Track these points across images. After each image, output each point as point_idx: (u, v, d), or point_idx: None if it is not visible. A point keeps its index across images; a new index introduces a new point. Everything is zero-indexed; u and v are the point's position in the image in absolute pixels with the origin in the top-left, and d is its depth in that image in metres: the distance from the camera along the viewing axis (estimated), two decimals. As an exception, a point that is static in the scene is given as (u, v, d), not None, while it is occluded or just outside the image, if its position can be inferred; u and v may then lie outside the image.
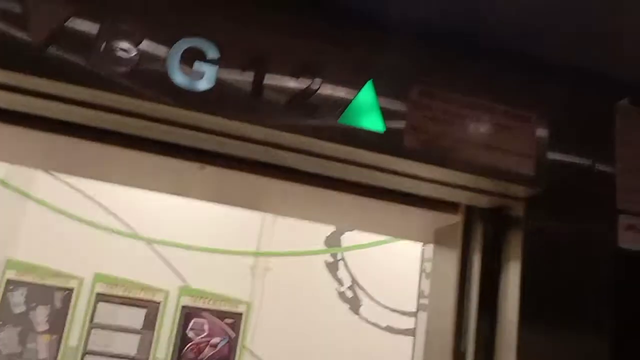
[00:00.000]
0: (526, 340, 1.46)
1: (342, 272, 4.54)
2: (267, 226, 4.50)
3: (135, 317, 4.25)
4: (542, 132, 1.53)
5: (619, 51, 1.63)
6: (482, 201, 1.58)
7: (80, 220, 4.19)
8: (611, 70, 1.66)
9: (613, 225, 1.61)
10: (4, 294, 4.00)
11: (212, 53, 1.36)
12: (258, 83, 1.37)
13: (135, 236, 4.38)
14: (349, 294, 4.47)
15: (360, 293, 4.48)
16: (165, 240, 4.39)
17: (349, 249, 4.55)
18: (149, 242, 4.41)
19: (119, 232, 4.35)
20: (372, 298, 4.49)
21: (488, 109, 1.49)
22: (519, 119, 1.51)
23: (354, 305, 4.47)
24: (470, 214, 1.63)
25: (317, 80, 1.40)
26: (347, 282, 4.51)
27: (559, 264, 1.54)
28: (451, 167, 1.43)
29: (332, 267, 4.53)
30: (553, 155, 1.55)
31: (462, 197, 1.58)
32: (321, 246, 4.56)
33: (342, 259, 4.56)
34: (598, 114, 1.66)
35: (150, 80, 1.30)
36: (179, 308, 4.32)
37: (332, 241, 4.54)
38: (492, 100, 1.50)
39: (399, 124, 1.43)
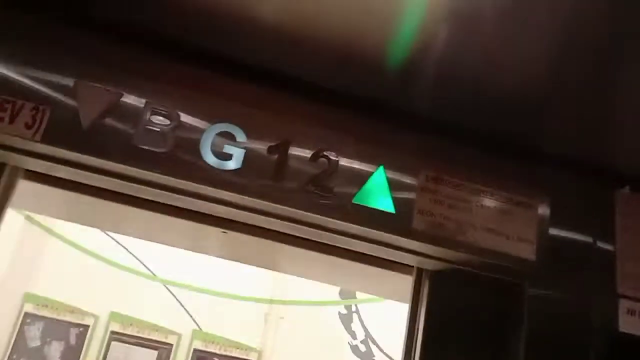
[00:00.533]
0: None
1: (356, 325, 4.49)
2: (282, 274, 4.57)
3: (147, 358, 4.32)
4: (543, 217, 1.64)
5: (618, 144, 1.74)
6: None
7: (99, 258, 4.30)
8: (610, 160, 1.78)
9: (613, 307, 1.68)
10: (21, 326, 4.10)
11: (240, 137, 1.51)
12: (280, 165, 1.51)
13: (152, 277, 4.49)
14: (362, 347, 4.42)
15: (373, 348, 4.43)
16: (181, 283, 4.49)
17: (363, 301, 4.54)
18: (165, 283, 4.51)
19: (136, 273, 4.46)
20: (385, 354, 4.42)
21: (491, 194, 1.61)
22: (521, 205, 1.62)
23: (367, 359, 4.42)
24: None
25: (333, 165, 1.54)
26: (361, 336, 4.46)
27: (558, 338, 1.61)
28: (455, 248, 1.54)
29: (346, 319, 4.49)
30: (554, 236, 1.64)
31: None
32: (336, 297, 4.57)
33: (357, 311, 4.53)
34: (598, 200, 1.76)
35: (185, 160, 1.45)
36: (191, 351, 4.38)
37: (347, 293, 4.53)
38: (496, 186, 1.62)
39: (408, 206, 1.55)
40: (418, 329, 1.59)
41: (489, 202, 1.60)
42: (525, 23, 1.29)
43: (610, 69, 1.42)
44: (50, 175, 1.52)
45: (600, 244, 1.72)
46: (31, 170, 1.51)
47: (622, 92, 1.50)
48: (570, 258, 1.65)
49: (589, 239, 1.68)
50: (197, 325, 4.46)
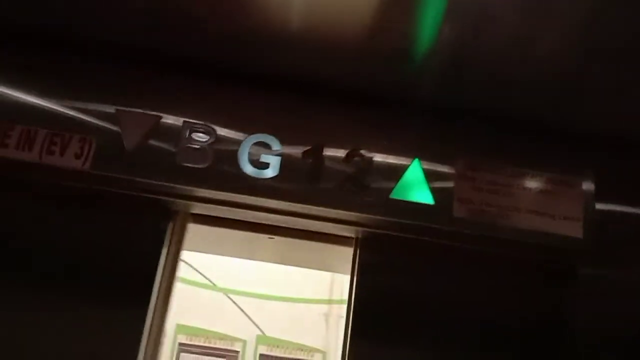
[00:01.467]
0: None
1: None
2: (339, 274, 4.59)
3: (215, 366, 4.43)
4: (588, 194, 1.60)
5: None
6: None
7: (164, 275, 4.45)
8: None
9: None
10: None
11: (276, 145, 1.55)
12: (316, 168, 1.54)
13: (213, 288, 4.62)
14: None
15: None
16: (242, 291, 4.58)
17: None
18: (227, 293, 4.63)
19: (198, 285, 4.59)
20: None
21: (532, 176, 1.58)
22: (564, 184, 1.59)
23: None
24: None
25: (367, 162, 1.56)
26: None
27: (618, 317, 1.57)
28: (500, 233, 1.53)
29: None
30: (601, 211, 1.60)
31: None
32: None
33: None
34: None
35: (225, 172, 1.51)
36: (257, 356, 4.47)
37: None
38: (536, 168, 1.59)
39: (447, 196, 1.55)
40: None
41: (530, 183, 1.58)
42: (549, 8, 1.26)
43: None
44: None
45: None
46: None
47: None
48: (619, 232, 1.60)
49: (637, 210, 1.63)
50: (261, 330, 4.55)
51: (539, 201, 1.56)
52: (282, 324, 4.60)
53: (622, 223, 1.62)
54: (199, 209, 1.59)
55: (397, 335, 1.57)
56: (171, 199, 1.55)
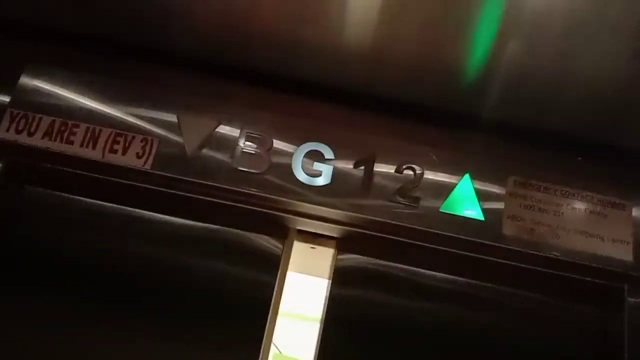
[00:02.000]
0: None
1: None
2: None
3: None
4: (638, 217, 1.60)
5: None
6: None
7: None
8: None
9: None
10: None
11: (329, 154, 1.59)
12: (367, 179, 1.58)
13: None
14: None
15: None
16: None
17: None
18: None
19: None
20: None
21: (582, 197, 1.59)
22: (614, 206, 1.60)
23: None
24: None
25: (419, 175, 1.59)
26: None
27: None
28: (548, 253, 1.53)
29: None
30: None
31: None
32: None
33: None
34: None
35: (279, 179, 1.55)
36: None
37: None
38: (586, 188, 1.60)
39: (497, 213, 1.56)
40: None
41: (579, 204, 1.59)
42: (600, 22, 1.30)
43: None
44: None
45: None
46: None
47: None
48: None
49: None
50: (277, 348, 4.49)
51: (588, 222, 1.57)
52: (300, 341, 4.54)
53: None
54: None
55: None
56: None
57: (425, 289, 1.66)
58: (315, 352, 1.57)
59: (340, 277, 1.64)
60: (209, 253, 1.65)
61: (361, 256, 1.68)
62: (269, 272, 1.63)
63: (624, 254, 1.55)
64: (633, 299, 1.58)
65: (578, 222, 1.57)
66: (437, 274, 1.68)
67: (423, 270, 1.67)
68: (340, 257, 1.67)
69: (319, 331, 1.60)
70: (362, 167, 1.60)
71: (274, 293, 1.61)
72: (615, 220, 1.58)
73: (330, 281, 1.65)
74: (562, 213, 1.57)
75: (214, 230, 1.66)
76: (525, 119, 1.67)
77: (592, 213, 1.58)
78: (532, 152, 1.67)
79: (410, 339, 1.62)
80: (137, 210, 1.66)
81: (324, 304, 1.63)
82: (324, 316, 1.61)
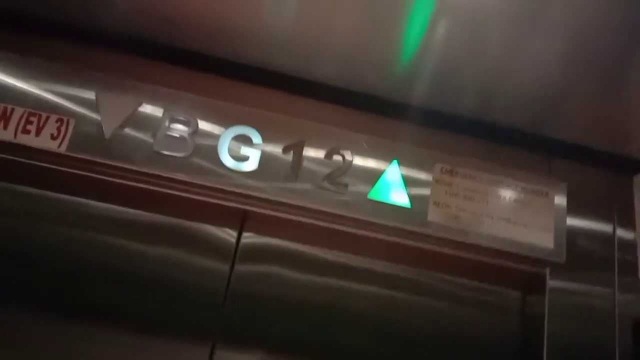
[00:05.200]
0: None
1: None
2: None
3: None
4: (560, 205, 1.64)
5: (636, 130, 1.73)
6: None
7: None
8: (628, 147, 1.76)
9: (637, 296, 1.66)
10: None
11: (256, 138, 1.55)
12: (296, 165, 1.55)
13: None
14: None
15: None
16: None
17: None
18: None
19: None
20: None
21: (507, 185, 1.62)
22: (538, 194, 1.63)
23: None
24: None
25: (348, 161, 1.57)
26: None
27: (578, 327, 1.59)
28: (473, 240, 1.55)
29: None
30: (572, 224, 1.64)
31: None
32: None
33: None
34: (617, 187, 1.75)
35: (204, 163, 1.50)
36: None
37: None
38: (511, 176, 1.63)
39: (424, 199, 1.57)
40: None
41: (504, 192, 1.61)
42: (538, 17, 1.30)
43: (627, 57, 1.41)
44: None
45: (620, 231, 1.71)
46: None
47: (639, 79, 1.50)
48: (589, 246, 1.64)
49: (609, 226, 1.67)
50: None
51: (512, 209, 1.59)
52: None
53: (593, 237, 1.65)
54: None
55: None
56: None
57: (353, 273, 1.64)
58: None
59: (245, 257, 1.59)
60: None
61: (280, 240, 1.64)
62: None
63: (546, 240, 1.59)
64: (554, 283, 1.62)
65: (503, 210, 1.59)
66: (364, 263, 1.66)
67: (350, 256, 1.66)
68: (256, 240, 1.62)
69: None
70: (291, 152, 1.57)
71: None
72: (538, 208, 1.61)
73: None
74: (487, 201, 1.59)
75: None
76: (453, 109, 1.68)
77: (516, 201, 1.61)
78: (460, 141, 1.69)
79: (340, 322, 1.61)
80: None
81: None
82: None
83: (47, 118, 1.49)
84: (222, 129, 1.55)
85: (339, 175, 1.56)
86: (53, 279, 1.51)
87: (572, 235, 1.64)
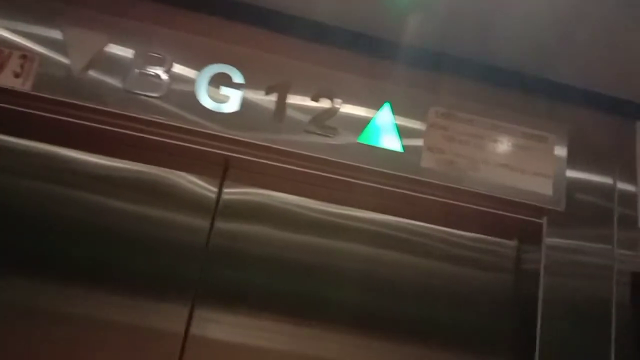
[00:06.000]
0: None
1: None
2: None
3: None
4: (560, 151, 1.55)
5: (638, 75, 1.64)
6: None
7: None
8: (631, 94, 1.67)
9: (636, 249, 1.60)
10: None
11: (238, 78, 1.44)
12: (280, 106, 1.44)
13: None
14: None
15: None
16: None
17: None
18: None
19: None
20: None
21: (506, 130, 1.52)
22: (537, 139, 1.54)
23: None
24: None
25: (337, 103, 1.47)
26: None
27: (574, 279, 1.54)
28: (467, 186, 1.47)
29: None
30: (573, 174, 1.57)
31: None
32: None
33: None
34: (618, 132, 1.67)
35: (180, 104, 1.39)
36: None
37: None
38: (509, 121, 1.53)
39: (418, 144, 1.47)
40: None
41: (502, 136, 1.52)
42: None
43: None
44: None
45: (620, 184, 1.64)
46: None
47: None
48: (589, 198, 1.57)
49: (609, 178, 1.60)
50: None
51: (510, 155, 1.50)
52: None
53: (591, 192, 1.58)
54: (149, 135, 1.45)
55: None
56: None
57: (339, 227, 1.56)
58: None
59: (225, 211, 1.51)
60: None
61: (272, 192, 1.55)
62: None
63: (545, 187, 1.51)
64: (550, 240, 1.55)
65: (500, 155, 1.50)
66: (351, 212, 1.58)
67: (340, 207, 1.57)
68: (243, 190, 1.53)
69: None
70: (275, 93, 1.46)
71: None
72: (537, 154, 1.52)
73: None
74: (484, 146, 1.50)
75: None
76: (449, 49, 1.57)
77: (515, 146, 1.52)
78: (456, 83, 1.58)
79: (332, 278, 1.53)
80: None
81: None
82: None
83: (10, 55, 1.37)
84: (200, 67, 1.43)
85: (327, 118, 1.46)
86: (27, 238, 1.42)
87: (571, 186, 1.56)
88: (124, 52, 1.41)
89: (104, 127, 1.39)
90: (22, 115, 1.38)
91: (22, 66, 1.37)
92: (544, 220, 1.54)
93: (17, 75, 1.36)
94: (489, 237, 1.62)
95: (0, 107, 1.37)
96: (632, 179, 1.65)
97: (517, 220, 1.55)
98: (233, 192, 1.53)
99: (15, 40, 1.38)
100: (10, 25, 1.39)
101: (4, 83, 1.35)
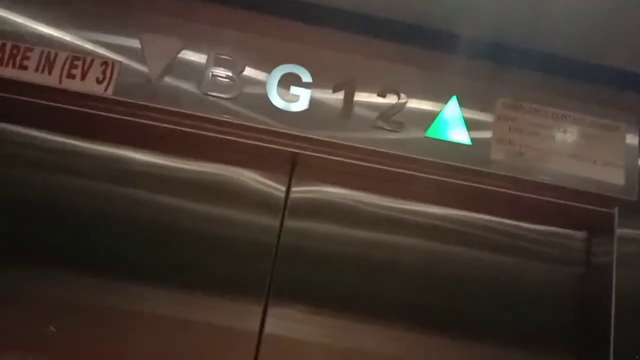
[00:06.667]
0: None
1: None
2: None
3: None
4: (631, 141, 1.53)
5: None
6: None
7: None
8: None
9: None
10: None
11: (306, 77, 1.48)
12: (347, 103, 1.47)
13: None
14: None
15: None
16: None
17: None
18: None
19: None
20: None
21: (574, 120, 1.51)
22: (607, 128, 1.52)
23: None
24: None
25: (403, 98, 1.48)
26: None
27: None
28: (538, 177, 1.46)
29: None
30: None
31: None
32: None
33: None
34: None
35: (252, 105, 1.44)
36: None
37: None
38: (578, 110, 1.52)
39: (486, 136, 1.48)
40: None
41: (571, 126, 1.51)
42: None
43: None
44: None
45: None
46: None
47: None
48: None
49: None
50: None
51: (579, 145, 1.49)
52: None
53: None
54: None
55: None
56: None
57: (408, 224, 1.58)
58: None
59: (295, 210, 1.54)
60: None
61: (340, 188, 1.58)
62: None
63: (616, 177, 1.49)
64: (622, 225, 1.52)
65: (569, 145, 1.49)
66: (418, 208, 1.59)
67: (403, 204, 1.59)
68: (311, 188, 1.57)
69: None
70: (342, 91, 1.49)
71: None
72: (607, 143, 1.50)
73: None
74: (554, 136, 1.49)
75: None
76: (515, 40, 1.56)
77: (584, 136, 1.50)
78: (522, 73, 1.57)
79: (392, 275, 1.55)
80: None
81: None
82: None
83: (92, 62, 1.44)
84: (270, 69, 1.47)
85: (394, 113, 1.48)
86: (103, 240, 1.48)
87: (643, 174, 1.53)
88: (198, 55, 1.47)
89: (180, 128, 1.45)
90: (105, 119, 1.46)
91: (103, 72, 1.44)
92: (615, 211, 1.52)
93: (99, 81, 1.44)
94: (558, 229, 1.61)
95: (85, 112, 1.45)
96: None
97: (587, 211, 1.53)
98: (301, 191, 1.57)
99: (96, 48, 1.45)
100: (91, 35, 1.46)
101: (88, 89, 1.43)
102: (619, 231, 1.51)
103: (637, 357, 1.44)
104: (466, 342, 1.51)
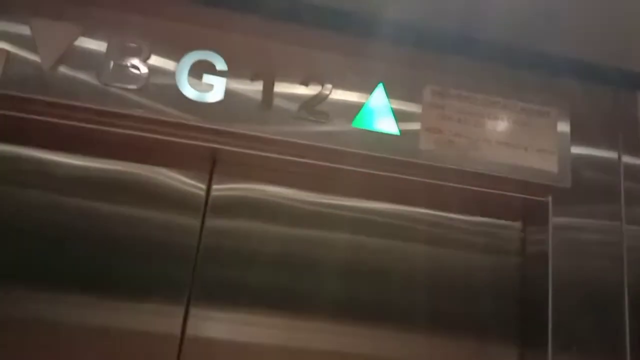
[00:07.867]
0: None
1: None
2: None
3: None
4: (563, 127, 1.49)
5: (638, 45, 1.57)
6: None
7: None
8: (631, 63, 1.61)
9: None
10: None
11: (220, 65, 1.35)
12: (267, 93, 1.36)
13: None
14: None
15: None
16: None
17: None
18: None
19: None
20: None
21: (505, 106, 1.45)
22: (538, 115, 1.47)
23: None
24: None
25: (328, 87, 1.39)
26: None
27: (583, 259, 1.48)
28: (469, 167, 1.39)
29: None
30: (576, 150, 1.50)
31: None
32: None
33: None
34: (620, 106, 1.61)
35: (160, 96, 1.30)
36: None
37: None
38: (509, 97, 1.46)
39: (415, 127, 1.40)
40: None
41: (502, 113, 1.45)
42: None
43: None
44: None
45: (626, 158, 1.58)
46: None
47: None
48: (593, 174, 1.50)
49: (614, 147, 1.54)
50: None
51: (511, 132, 1.43)
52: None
53: (596, 168, 1.52)
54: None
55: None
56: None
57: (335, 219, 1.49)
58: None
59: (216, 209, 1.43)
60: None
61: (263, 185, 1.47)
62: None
63: (548, 164, 1.44)
64: (557, 213, 1.49)
65: (500, 133, 1.43)
66: (346, 202, 1.50)
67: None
68: (232, 185, 1.45)
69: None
70: (261, 80, 1.37)
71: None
72: (539, 130, 1.45)
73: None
74: (484, 124, 1.43)
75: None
76: (442, 25, 1.49)
77: (515, 122, 1.45)
78: (451, 60, 1.50)
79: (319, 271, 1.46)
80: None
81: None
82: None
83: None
84: (179, 56, 1.34)
85: (317, 103, 1.38)
86: (13, 244, 1.33)
87: (575, 163, 1.49)
88: (97, 43, 1.32)
89: (79, 124, 1.30)
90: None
91: (-13, 63, 1.27)
92: (549, 199, 1.47)
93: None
94: (493, 220, 1.56)
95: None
96: (636, 152, 1.59)
97: (521, 200, 1.48)
98: (223, 188, 1.45)
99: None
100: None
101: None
102: (554, 219, 1.48)
103: (574, 347, 1.41)
104: (400, 335, 1.45)
